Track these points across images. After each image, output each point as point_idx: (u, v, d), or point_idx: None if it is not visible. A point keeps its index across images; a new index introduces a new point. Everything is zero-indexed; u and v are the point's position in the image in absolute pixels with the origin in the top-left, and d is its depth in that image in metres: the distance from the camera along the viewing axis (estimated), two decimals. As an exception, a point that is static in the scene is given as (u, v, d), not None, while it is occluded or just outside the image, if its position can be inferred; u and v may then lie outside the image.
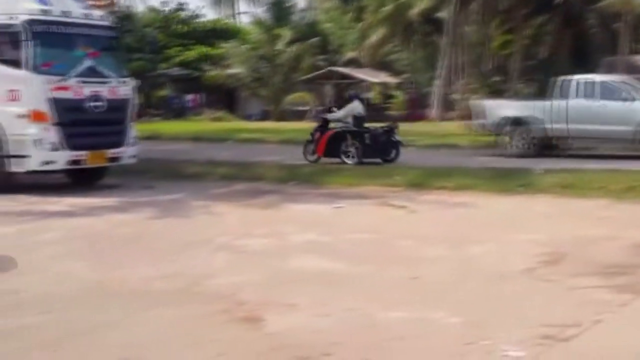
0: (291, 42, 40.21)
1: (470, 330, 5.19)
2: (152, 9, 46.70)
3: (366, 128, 16.89)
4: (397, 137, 16.81)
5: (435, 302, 5.91)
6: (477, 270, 7.02)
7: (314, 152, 16.71)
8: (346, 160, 16.13)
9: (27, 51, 12.35)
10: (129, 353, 4.82)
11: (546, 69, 40.04)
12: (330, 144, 16.44)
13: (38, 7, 12.74)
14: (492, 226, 9.43)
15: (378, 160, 16.25)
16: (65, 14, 13.03)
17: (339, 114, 17.36)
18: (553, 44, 39.02)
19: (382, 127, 17.42)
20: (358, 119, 16.87)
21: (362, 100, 19.62)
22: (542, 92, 39.47)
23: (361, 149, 16.17)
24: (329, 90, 42.24)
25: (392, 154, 16.53)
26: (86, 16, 13.57)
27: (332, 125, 17.17)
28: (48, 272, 7.01)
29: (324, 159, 16.46)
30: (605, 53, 39.45)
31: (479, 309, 5.74)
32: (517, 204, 11.27)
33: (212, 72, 39.99)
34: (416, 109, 38.17)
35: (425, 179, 13.23)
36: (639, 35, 37.20)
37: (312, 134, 16.99)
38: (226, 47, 41.25)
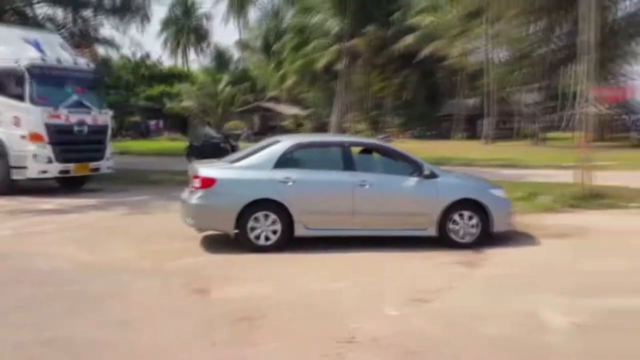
0: (228, 84, 39.95)
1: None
2: (125, 57, 45.37)
3: (204, 143, 18.90)
4: (229, 144, 18.48)
5: None
6: None
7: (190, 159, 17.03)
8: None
9: (28, 88, 11.92)
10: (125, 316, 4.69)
11: (409, 107, 41.38)
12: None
13: (37, 55, 12.34)
14: None
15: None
16: (58, 60, 12.64)
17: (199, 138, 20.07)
18: (414, 89, 40.19)
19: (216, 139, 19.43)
20: (205, 139, 19.56)
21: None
22: (405, 125, 40.84)
23: (197, 154, 16.88)
24: (256, 119, 42.07)
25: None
26: (74, 62, 13.15)
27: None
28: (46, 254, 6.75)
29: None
30: (449, 97, 41.07)
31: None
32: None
33: (170, 105, 39.29)
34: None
35: None
36: (472, 84, 38.75)
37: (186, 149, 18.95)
38: (180, 86, 40.63)
